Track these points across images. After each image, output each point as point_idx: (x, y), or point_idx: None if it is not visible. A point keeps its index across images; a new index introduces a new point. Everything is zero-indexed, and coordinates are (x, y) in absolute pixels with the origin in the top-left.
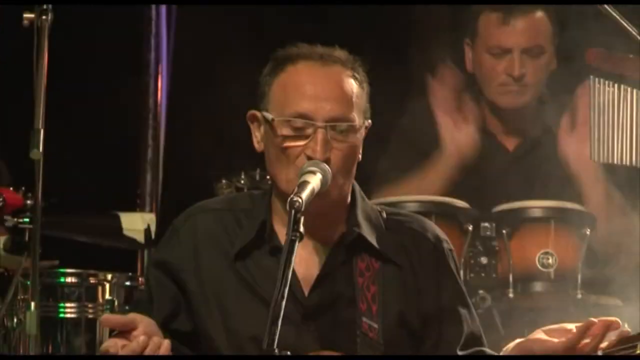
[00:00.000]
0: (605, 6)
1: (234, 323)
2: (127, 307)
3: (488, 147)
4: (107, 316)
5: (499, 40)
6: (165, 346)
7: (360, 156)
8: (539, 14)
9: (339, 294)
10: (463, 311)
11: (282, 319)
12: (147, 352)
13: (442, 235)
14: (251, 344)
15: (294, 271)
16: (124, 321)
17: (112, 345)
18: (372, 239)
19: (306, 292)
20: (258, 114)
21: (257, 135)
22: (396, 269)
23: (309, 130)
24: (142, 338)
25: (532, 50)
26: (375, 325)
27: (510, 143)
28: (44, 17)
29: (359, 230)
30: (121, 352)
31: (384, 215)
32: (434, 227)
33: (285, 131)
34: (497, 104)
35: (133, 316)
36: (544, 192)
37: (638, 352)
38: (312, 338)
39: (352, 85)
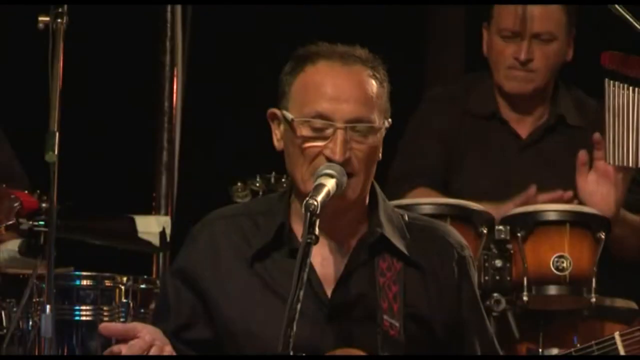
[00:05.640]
0: (618, 7)
1: (256, 326)
2: (142, 310)
3: (501, 136)
4: (106, 324)
5: (510, 24)
6: (168, 349)
7: (380, 155)
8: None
9: (361, 293)
10: (478, 320)
11: (306, 319)
12: (152, 351)
13: (464, 242)
14: (274, 346)
15: (315, 271)
16: (124, 329)
17: (115, 349)
18: (395, 240)
19: (329, 292)
20: (278, 112)
21: (277, 134)
22: (418, 271)
23: (329, 131)
24: (147, 337)
25: (542, 36)
26: (396, 324)
27: (524, 130)
28: (59, 20)
29: (382, 231)
30: (125, 351)
31: (406, 218)
32: (456, 234)
33: (305, 131)
34: (504, 89)
35: (134, 324)
36: (556, 182)
37: None
38: (335, 337)
39: (373, 85)
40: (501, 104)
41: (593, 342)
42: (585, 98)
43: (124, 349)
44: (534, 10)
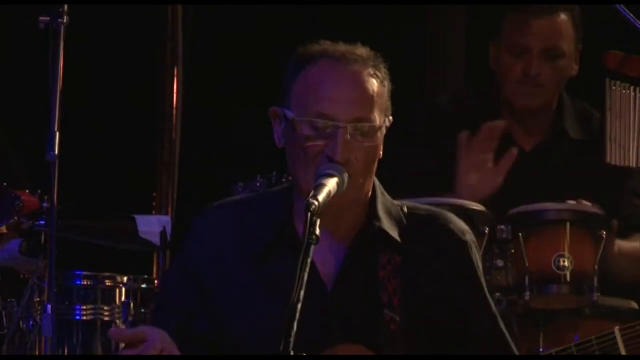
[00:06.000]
0: (620, 8)
1: (257, 324)
2: (142, 310)
3: (505, 148)
4: (116, 330)
5: (519, 39)
6: (177, 354)
7: (381, 154)
8: (562, 17)
9: (361, 288)
10: (483, 305)
11: (306, 315)
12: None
13: (466, 227)
14: (275, 344)
15: (315, 267)
16: (133, 335)
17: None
18: (393, 233)
19: (329, 288)
20: (279, 111)
21: (279, 132)
22: (418, 262)
23: (330, 131)
24: (158, 344)
25: (551, 52)
26: (397, 318)
27: (528, 144)
28: (59, 20)
29: (380, 224)
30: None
31: (405, 209)
32: (457, 221)
33: (306, 131)
34: (512, 104)
35: (142, 329)
36: (558, 197)
37: None
38: (335, 332)
39: (374, 84)
40: (506, 118)
41: (593, 337)
42: (589, 110)
43: (132, 354)
44: (544, 25)
